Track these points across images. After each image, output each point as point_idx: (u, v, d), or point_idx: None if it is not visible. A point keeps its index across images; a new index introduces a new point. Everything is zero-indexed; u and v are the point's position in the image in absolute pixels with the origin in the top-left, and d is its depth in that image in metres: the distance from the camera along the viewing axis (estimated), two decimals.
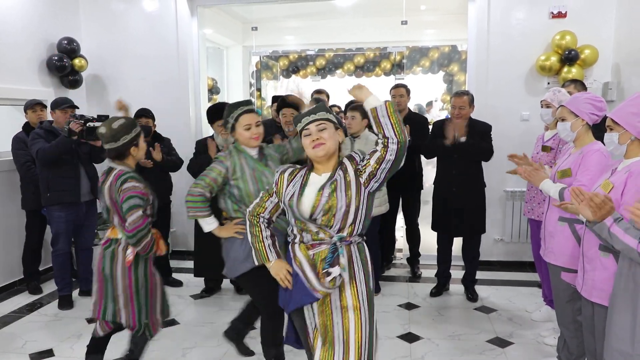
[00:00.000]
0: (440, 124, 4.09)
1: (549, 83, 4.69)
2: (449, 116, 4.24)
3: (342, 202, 2.03)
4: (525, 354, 3.21)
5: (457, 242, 4.28)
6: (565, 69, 4.51)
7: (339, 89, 6.99)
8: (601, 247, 2.23)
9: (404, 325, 3.65)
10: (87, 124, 3.71)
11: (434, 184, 4.20)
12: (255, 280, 2.57)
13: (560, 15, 4.61)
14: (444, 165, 4.07)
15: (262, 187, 2.54)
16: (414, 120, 4.49)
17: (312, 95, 5.58)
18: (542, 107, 3.64)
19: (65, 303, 4.06)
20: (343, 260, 2.06)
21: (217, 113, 3.73)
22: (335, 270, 2.03)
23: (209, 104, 5.42)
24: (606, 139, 2.26)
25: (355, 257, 2.12)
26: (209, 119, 3.96)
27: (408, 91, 4.63)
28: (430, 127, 4.53)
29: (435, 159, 4.27)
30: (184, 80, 5.28)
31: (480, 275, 4.21)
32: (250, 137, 2.61)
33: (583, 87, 3.96)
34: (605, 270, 2.21)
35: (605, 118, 2.34)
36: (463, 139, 3.86)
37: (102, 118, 3.73)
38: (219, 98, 7.75)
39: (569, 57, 4.46)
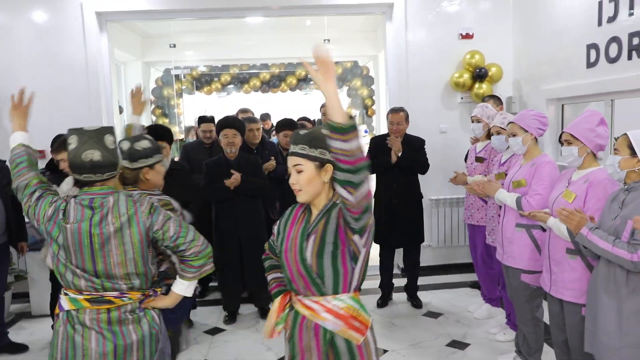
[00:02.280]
0: (379, 141, 4.23)
1: (462, 98, 5.11)
2: (366, 131, 4.37)
3: None
4: (484, 353, 3.44)
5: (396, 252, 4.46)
6: (477, 85, 4.95)
7: (249, 104, 6.92)
8: (568, 250, 2.49)
9: None
10: None
11: (374, 197, 4.32)
12: None
13: (468, 36, 5.06)
14: (385, 180, 4.21)
15: None
16: None
17: (237, 114, 5.44)
18: (472, 122, 3.96)
19: None
20: None
21: (157, 136, 3.43)
22: None
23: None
24: (565, 151, 2.53)
25: None
26: None
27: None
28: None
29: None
30: (96, 100, 4.81)
31: None
32: None
33: (500, 101, 4.40)
34: (573, 271, 2.47)
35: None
36: (399, 153, 4.05)
37: None
38: (121, 116, 7.18)
39: (480, 75, 4.91)
